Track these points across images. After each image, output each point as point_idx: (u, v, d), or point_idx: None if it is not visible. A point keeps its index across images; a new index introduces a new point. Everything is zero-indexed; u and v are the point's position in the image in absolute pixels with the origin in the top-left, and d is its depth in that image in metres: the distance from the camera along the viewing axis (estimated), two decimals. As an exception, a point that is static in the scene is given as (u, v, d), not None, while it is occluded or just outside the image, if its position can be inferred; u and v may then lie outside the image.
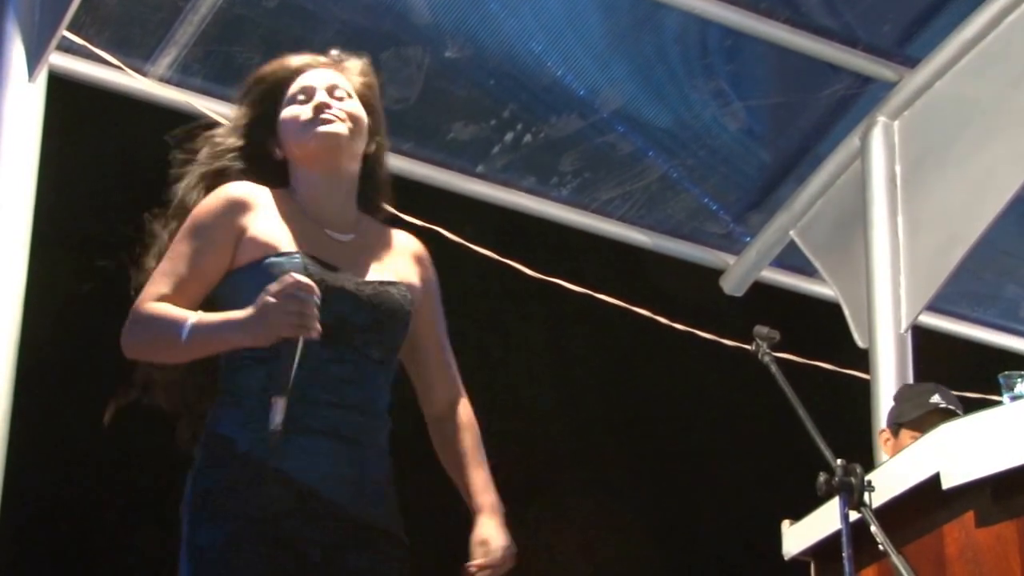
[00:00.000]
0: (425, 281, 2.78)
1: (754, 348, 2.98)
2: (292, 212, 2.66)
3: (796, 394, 2.87)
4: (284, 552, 2.46)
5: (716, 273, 5.54)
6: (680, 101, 5.13)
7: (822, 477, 2.73)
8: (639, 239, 5.36)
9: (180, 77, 4.65)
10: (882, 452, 4.13)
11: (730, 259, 5.53)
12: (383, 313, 2.63)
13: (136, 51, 4.57)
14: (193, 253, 2.61)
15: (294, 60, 2.79)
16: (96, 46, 4.46)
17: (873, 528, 2.64)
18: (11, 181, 3.84)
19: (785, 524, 3.33)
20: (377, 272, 2.68)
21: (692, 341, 5.25)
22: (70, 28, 4.18)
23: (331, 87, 2.73)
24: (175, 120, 4.39)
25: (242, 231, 2.62)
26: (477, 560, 2.61)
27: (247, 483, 2.49)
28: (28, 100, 3.93)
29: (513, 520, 2.68)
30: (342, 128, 2.68)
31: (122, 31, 4.52)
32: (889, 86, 5.11)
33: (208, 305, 2.61)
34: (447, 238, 4.77)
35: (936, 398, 4.06)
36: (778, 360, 2.96)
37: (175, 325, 2.53)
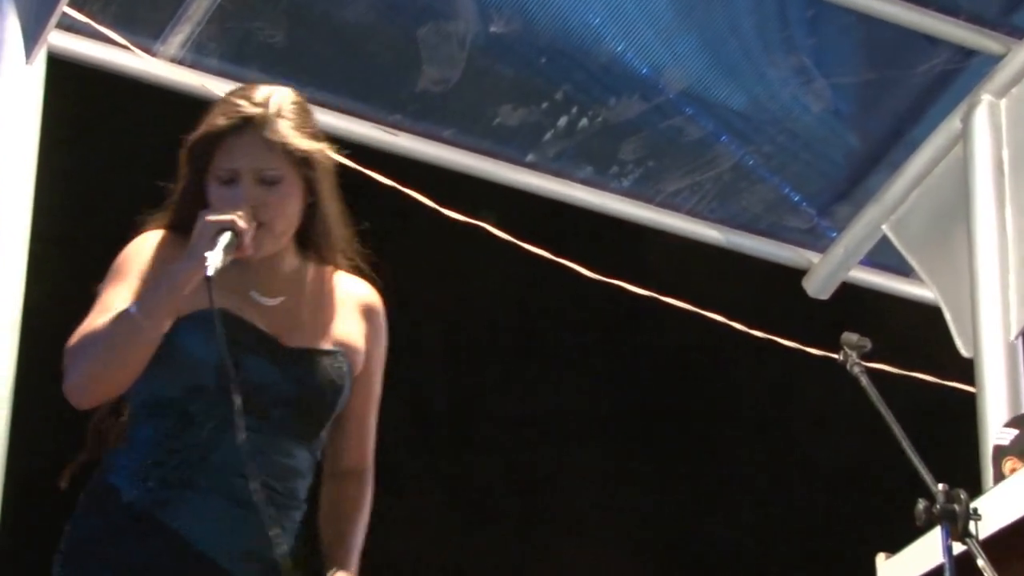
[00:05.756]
0: (371, 340, 2.76)
1: (842, 358, 2.92)
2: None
3: (891, 410, 2.82)
4: None
5: (799, 273, 5.39)
6: (756, 79, 5.03)
7: (922, 504, 2.68)
8: (710, 235, 5.26)
9: (194, 57, 4.56)
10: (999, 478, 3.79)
11: (814, 257, 5.37)
12: (308, 389, 2.65)
13: (145, 29, 4.50)
14: (125, 289, 2.62)
15: (220, 120, 2.68)
16: (100, 24, 4.38)
17: (980, 562, 2.61)
18: (8, 172, 3.79)
19: (880, 557, 3.28)
20: (310, 338, 2.69)
21: (772, 350, 5.20)
22: (71, 4, 4.08)
23: (257, 171, 2.63)
24: (187, 105, 4.45)
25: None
26: None
27: (129, 532, 2.52)
28: (25, 84, 3.87)
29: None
30: (270, 243, 2.64)
31: (129, 7, 4.45)
32: (994, 60, 4.95)
33: None
34: (493, 235, 4.78)
35: None
36: (870, 371, 2.92)
37: (121, 313, 2.54)
